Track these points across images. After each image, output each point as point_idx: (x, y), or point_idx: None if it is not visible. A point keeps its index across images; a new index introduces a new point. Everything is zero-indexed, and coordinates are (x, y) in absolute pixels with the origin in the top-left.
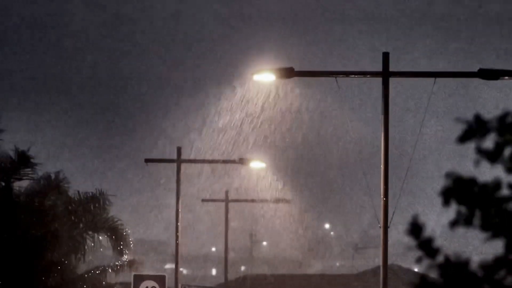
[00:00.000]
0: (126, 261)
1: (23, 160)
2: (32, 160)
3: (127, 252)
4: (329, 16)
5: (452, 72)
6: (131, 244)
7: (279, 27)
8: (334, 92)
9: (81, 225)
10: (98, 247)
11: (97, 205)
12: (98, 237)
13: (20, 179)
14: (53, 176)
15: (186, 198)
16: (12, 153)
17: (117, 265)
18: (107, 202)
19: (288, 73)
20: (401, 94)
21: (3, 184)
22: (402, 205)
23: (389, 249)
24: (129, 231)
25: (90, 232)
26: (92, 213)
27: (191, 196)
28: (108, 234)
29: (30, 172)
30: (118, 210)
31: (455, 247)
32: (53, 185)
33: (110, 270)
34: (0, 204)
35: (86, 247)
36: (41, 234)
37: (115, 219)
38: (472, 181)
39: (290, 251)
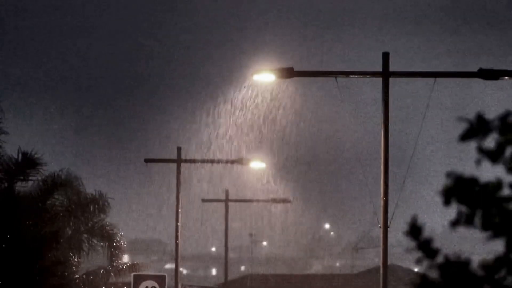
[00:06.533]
0: (128, 263)
1: (27, 161)
2: (37, 161)
3: (120, 259)
4: (329, 16)
5: (452, 72)
6: (124, 255)
7: (279, 27)
8: (334, 92)
9: (81, 228)
10: (94, 250)
11: (96, 206)
12: (93, 241)
13: (24, 180)
14: (62, 174)
15: (186, 197)
16: (15, 154)
17: (118, 267)
18: (106, 204)
19: (288, 73)
20: (401, 94)
21: (6, 184)
22: (402, 205)
23: (389, 249)
24: (125, 242)
25: (85, 235)
26: (90, 215)
27: (191, 196)
28: (104, 241)
29: (34, 173)
30: (118, 210)
31: (457, 246)
32: (62, 184)
33: (112, 274)
34: (2, 204)
35: (83, 249)
36: (41, 234)
37: (112, 228)
38: (473, 181)
39: (290, 251)
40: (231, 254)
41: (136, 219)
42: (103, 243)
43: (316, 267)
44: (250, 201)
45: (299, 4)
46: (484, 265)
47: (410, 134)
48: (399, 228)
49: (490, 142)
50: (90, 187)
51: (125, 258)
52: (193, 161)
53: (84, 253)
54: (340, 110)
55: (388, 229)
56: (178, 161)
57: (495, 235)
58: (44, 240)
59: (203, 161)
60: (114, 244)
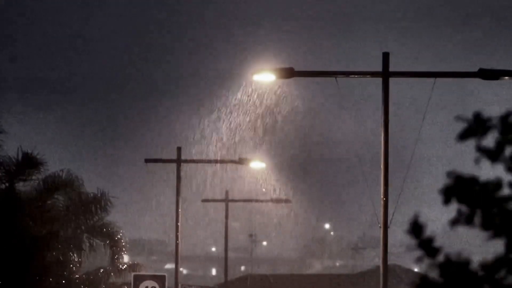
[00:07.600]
0: (128, 263)
1: (27, 160)
2: (38, 161)
3: (121, 258)
4: (329, 16)
5: (452, 72)
6: (124, 252)
7: (279, 27)
8: (334, 92)
9: (82, 227)
10: (94, 250)
11: (98, 206)
12: (94, 241)
13: (24, 180)
14: (62, 174)
15: (186, 197)
16: (16, 154)
17: (118, 267)
18: (108, 203)
19: (288, 73)
20: (401, 94)
21: (7, 184)
22: (402, 205)
23: (389, 249)
24: (126, 241)
25: (86, 235)
26: (92, 214)
27: (191, 196)
28: (104, 239)
29: (34, 173)
30: (118, 210)
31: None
32: (62, 184)
33: (112, 274)
34: (3, 204)
35: (84, 248)
36: (41, 234)
37: (112, 226)
38: (473, 180)
39: (290, 251)
40: (231, 254)
41: (136, 219)
42: (103, 242)
43: (316, 267)
44: (250, 201)
45: (300, 4)
46: (484, 265)
47: (410, 134)
48: (399, 228)
49: (490, 141)
50: (90, 187)
51: (125, 258)
52: (193, 161)
53: (84, 253)
54: (340, 110)
55: (388, 229)
56: (178, 161)
57: (495, 235)
58: (44, 240)
59: (203, 161)
60: (115, 243)
